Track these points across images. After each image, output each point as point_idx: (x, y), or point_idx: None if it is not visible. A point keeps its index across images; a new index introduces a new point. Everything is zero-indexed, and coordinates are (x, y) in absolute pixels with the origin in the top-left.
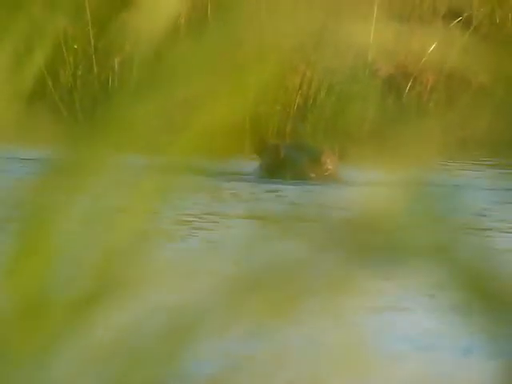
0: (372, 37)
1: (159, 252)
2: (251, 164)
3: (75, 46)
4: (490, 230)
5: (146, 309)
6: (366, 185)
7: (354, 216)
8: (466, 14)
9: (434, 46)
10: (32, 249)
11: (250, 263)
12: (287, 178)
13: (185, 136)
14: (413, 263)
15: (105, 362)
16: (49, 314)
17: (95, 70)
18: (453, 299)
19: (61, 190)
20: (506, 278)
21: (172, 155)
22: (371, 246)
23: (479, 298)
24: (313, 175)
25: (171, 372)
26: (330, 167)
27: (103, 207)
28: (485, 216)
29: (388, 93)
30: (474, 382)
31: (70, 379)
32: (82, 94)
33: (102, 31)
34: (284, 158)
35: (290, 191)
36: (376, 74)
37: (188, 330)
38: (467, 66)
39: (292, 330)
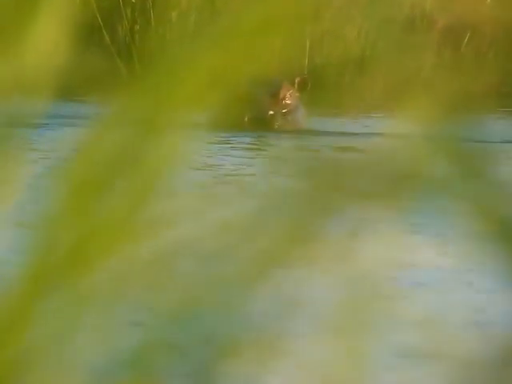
0: None
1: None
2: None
3: (133, 0)
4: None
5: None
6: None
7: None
8: None
9: None
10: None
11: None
12: (246, 124)
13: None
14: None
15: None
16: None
17: (153, 23)
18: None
19: (114, 145)
20: None
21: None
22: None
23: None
24: (271, 112)
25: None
26: (288, 102)
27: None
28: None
29: (445, 45)
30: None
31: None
32: (139, 47)
33: None
34: (243, 95)
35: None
36: (433, 26)
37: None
38: None
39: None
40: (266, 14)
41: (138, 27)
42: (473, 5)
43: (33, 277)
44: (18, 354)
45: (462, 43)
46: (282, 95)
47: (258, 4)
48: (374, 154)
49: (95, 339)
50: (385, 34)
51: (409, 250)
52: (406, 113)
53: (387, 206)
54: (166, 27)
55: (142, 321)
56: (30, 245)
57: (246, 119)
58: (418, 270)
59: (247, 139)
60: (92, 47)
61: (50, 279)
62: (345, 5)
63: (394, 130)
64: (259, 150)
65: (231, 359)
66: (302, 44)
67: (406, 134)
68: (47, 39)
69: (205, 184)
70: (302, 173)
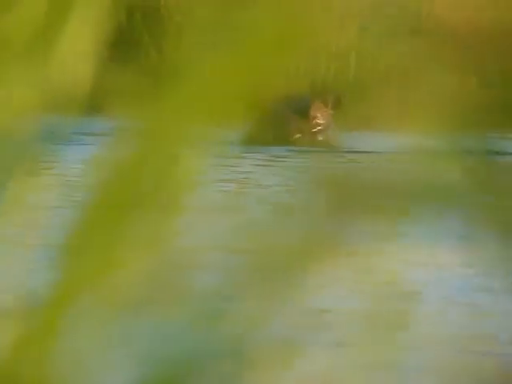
0: None
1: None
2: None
3: (178, 18)
4: None
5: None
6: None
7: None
8: None
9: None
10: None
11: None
12: (272, 141)
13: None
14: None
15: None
16: None
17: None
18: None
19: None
20: None
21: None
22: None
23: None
24: (298, 135)
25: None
26: (320, 121)
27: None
28: None
29: (453, 51)
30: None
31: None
32: (169, 63)
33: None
34: (271, 115)
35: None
36: (443, 31)
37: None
38: None
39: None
40: (287, 27)
41: (169, 44)
42: (482, 10)
43: (61, 293)
44: (47, 368)
45: (472, 50)
46: (312, 114)
47: (278, 19)
48: (388, 168)
49: (120, 354)
50: (404, 47)
51: (422, 262)
52: (418, 127)
53: (400, 220)
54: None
55: (165, 335)
56: (58, 260)
57: (272, 137)
58: (434, 282)
59: (268, 154)
60: (139, 66)
61: (78, 295)
62: (365, 18)
63: (407, 145)
64: (279, 165)
65: (254, 371)
66: (325, 59)
67: (418, 149)
68: (76, 53)
69: (225, 197)
70: (316, 187)
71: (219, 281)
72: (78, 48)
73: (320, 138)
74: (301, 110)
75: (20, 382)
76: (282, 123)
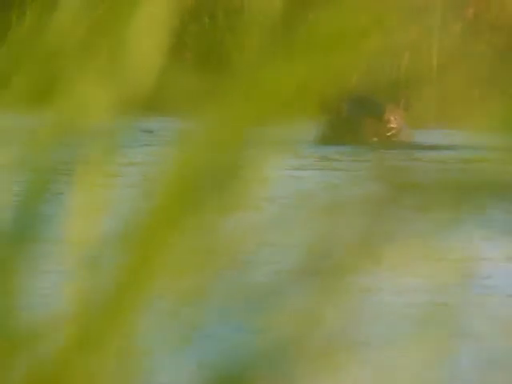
0: None
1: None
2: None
3: (260, 19)
4: None
5: None
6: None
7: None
8: None
9: None
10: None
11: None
12: (346, 143)
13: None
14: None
15: None
16: None
17: (241, 39)
18: None
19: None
20: None
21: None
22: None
23: None
24: (374, 138)
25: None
26: (393, 124)
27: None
28: None
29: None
30: None
31: None
32: (230, 63)
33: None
34: (345, 118)
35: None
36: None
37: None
38: None
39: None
40: (360, 26)
41: (228, 43)
42: None
43: (122, 292)
44: (107, 368)
45: None
46: (386, 117)
47: (339, 15)
48: (452, 165)
49: (180, 353)
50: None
51: (482, 257)
52: (480, 123)
53: (461, 215)
54: (253, 42)
55: (224, 334)
56: (120, 259)
57: (347, 139)
58: (492, 278)
59: (338, 153)
60: (221, 70)
61: (140, 294)
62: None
63: (468, 141)
64: (348, 164)
65: (309, 369)
66: (397, 59)
67: (480, 145)
68: (144, 52)
69: (291, 196)
70: (384, 185)
71: (278, 277)
72: (146, 47)
73: (394, 138)
74: (374, 112)
75: (80, 382)
76: (355, 125)
